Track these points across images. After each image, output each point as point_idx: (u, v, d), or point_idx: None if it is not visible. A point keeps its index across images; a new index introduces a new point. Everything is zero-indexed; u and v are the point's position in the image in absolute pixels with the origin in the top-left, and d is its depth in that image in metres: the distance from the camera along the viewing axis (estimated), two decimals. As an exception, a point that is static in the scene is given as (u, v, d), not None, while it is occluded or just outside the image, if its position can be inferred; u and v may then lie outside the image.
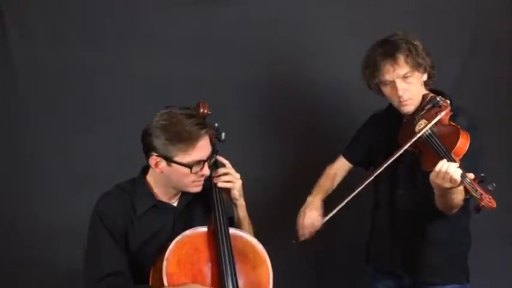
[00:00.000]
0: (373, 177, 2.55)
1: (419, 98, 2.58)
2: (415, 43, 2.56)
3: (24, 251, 3.35)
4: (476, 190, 2.24)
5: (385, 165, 2.51)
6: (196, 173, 2.24)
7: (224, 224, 2.26)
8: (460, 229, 2.67)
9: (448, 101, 2.52)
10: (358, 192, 2.54)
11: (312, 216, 2.67)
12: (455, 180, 2.27)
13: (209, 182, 2.34)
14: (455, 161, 2.32)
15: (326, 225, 2.65)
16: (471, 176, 2.28)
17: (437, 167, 2.31)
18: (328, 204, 2.73)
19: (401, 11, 3.32)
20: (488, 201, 2.21)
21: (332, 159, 2.89)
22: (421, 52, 2.55)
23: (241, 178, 2.38)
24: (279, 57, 3.37)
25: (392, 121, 2.68)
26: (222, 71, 3.36)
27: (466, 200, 2.52)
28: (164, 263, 2.16)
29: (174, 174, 2.25)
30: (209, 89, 3.32)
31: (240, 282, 2.20)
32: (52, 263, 3.31)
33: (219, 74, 3.35)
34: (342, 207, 2.57)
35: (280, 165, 3.43)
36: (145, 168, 2.35)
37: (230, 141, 3.25)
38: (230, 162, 2.41)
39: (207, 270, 2.21)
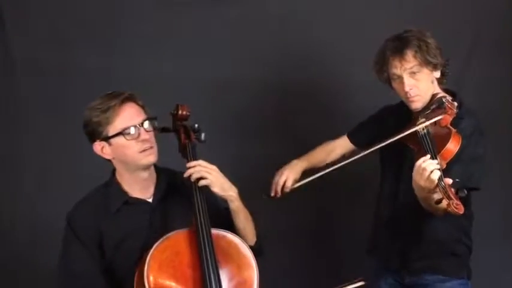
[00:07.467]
0: (358, 156, 2.56)
1: (428, 96, 2.56)
2: (428, 40, 2.54)
3: (24, 251, 3.35)
4: (449, 195, 2.19)
5: (370, 150, 2.53)
6: (135, 140, 2.22)
7: (205, 226, 2.19)
8: (461, 231, 2.64)
9: (456, 104, 2.50)
10: (340, 167, 2.57)
11: (287, 176, 2.69)
12: (432, 180, 2.23)
13: (189, 182, 2.28)
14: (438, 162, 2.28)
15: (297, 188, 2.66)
16: (449, 180, 2.23)
17: (419, 162, 2.28)
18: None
19: (401, 12, 3.31)
20: (455, 206, 2.16)
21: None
22: (433, 49, 2.53)
23: (236, 179, 2.34)
24: (278, 57, 3.37)
25: (403, 115, 2.65)
26: (222, 71, 3.35)
27: (466, 205, 2.50)
28: (145, 268, 2.12)
29: (119, 152, 2.25)
30: (209, 88, 3.33)
31: (224, 283, 2.16)
32: (52, 263, 3.29)
33: (219, 74, 3.35)
34: (318, 177, 2.59)
35: (277, 166, 3.40)
36: (114, 170, 2.35)
37: (228, 141, 3.30)
38: (226, 162, 2.39)
39: (190, 273, 2.16)
